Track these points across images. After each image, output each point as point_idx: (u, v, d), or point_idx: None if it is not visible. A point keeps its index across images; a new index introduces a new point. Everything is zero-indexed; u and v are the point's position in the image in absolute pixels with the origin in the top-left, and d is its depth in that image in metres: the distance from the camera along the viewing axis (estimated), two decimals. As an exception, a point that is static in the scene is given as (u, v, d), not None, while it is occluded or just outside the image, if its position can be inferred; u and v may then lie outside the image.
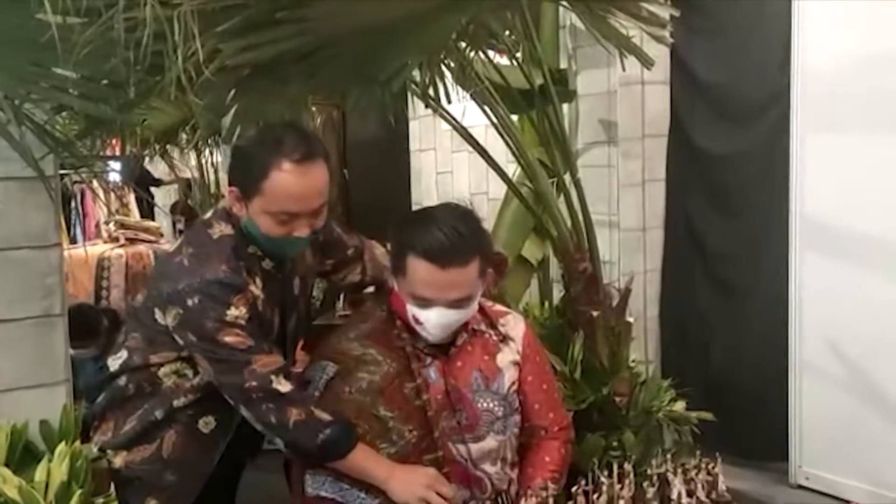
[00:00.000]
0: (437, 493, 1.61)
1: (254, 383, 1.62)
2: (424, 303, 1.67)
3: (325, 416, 1.62)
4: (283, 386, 1.62)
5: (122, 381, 1.80)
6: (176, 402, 1.75)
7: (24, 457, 2.14)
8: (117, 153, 5.84)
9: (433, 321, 1.67)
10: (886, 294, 2.89)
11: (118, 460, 1.78)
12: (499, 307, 1.92)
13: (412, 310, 1.69)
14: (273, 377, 1.62)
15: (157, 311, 1.74)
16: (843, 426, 3.04)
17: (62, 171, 2.83)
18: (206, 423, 1.75)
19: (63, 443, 2.13)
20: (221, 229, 1.74)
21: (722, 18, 3.50)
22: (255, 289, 1.69)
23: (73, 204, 6.23)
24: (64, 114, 2.12)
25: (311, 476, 1.66)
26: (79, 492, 2.02)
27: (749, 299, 3.47)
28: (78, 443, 2.16)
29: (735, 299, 3.54)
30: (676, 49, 3.58)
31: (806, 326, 3.16)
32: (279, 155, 1.63)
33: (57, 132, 1.94)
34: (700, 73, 3.60)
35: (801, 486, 3.14)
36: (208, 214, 1.84)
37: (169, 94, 1.76)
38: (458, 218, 1.71)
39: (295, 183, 1.63)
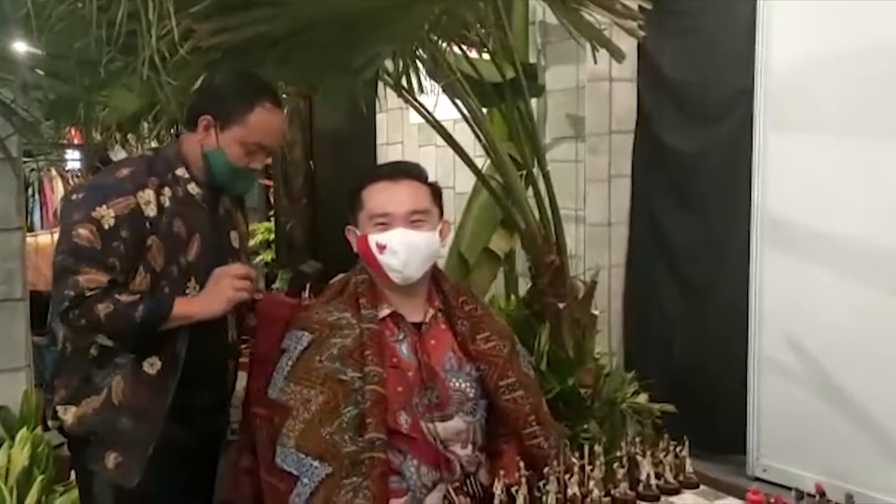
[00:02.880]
0: (239, 282, 1.72)
1: (69, 292, 1.64)
2: (384, 221, 1.71)
3: (130, 297, 1.67)
4: (94, 297, 1.64)
5: (60, 339, 1.76)
6: (114, 346, 1.72)
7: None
8: (76, 142, 5.75)
9: (396, 240, 1.69)
10: (844, 291, 2.96)
11: (69, 416, 1.74)
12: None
13: (375, 238, 1.70)
14: (88, 292, 1.64)
15: None
16: (800, 419, 3.11)
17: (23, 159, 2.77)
18: (152, 364, 1.73)
19: (24, 428, 2.11)
20: (144, 154, 1.85)
21: (689, 17, 3.55)
22: (153, 196, 1.70)
23: (30, 191, 6.09)
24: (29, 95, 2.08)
25: (279, 448, 1.65)
26: (40, 477, 2.00)
27: (710, 295, 3.53)
28: (39, 429, 2.13)
29: (697, 295, 3.60)
30: (644, 46, 3.63)
31: (765, 322, 3.22)
32: (265, 94, 1.77)
33: (23, 112, 1.90)
34: (667, 70, 3.65)
35: (758, 478, 3.21)
36: None
37: (141, 75, 1.73)
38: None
39: (272, 120, 1.78)
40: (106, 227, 1.66)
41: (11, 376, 2.35)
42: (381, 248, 1.70)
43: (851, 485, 2.55)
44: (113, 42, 1.58)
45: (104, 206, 1.65)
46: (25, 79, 1.89)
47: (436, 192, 1.80)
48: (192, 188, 1.80)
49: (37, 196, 6.00)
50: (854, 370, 2.94)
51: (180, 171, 1.79)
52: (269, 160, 1.88)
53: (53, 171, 6.06)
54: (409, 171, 1.78)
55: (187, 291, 1.76)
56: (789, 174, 3.11)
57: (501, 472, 1.56)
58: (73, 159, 6.79)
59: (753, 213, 3.21)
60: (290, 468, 1.61)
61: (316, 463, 1.58)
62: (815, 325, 3.06)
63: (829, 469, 2.87)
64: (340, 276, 1.90)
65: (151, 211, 1.71)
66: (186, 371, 1.76)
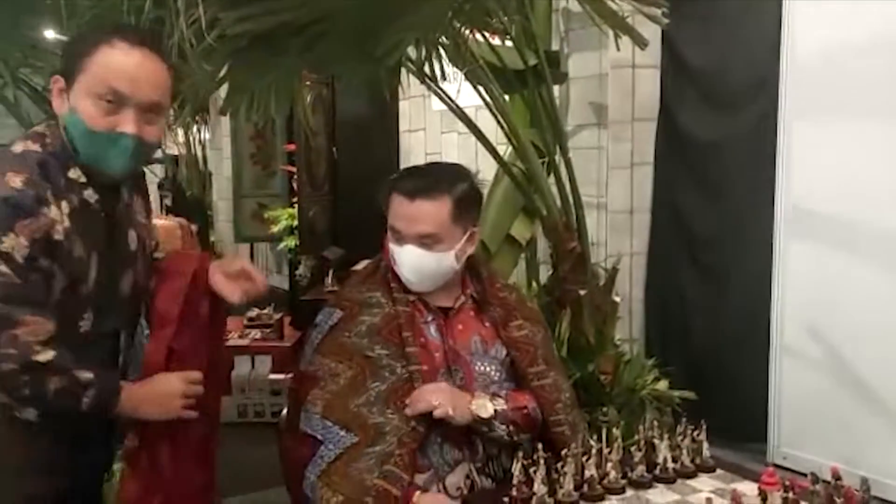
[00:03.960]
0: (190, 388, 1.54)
1: (11, 351, 1.33)
2: (398, 238, 1.72)
3: (86, 375, 1.42)
4: (45, 355, 1.36)
5: None
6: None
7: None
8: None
9: (404, 259, 1.71)
10: (867, 279, 2.95)
11: None
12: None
13: (392, 248, 1.74)
14: (37, 346, 1.35)
15: None
16: (821, 407, 3.10)
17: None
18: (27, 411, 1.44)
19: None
20: (27, 145, 1.43)
21: (713, 4, 3.53)
22: (57, 213, 1.38)
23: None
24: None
25: (304, 413, 1.69)
26: None
27: (732, 283, 3.52)
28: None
29: (718, 283, 3.59)
30: (667, 34, 3.61)
31: (787, 310, 3.21)
32: (113, 35, 1.42)
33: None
34: (690, 58, 3.63)
35: (778, 466, 3.20)
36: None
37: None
38: (444, 164, 1.88)
39: (125, 60, 1.40)
40: (20, 258, 1.33)
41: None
42: (395, 260, 1.74)
43: (872, 473, 2.55)
44: (142, 28, 1.60)
45: (12, 236, 1.33)
46: (55, 66, 1.93)
47: (464, 204, 1.73)
48: (90, 195, 1.45)
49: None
50: (877, 359, 2.93)
51: (73, 174, 1.44)
52: (153, 135, 1.44)
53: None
54: (429, 190, 1.69)
55: (80, 325, 1.46)
56: (814, 162, 3.09)
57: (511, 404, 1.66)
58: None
59: (777, 201, 3.20)
60: (314, 432, 1.65)
61: (342, 432, 1.62)
62: (837, 314, 3.05)
63: (849, 457, 2.87)
64: (366, 261, 1.94)
65: (57, 234, 1.38)
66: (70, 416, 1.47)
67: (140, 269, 1.58)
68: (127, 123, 1.39)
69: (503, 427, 1.68)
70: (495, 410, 1.66)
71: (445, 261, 1.72)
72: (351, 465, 1.58)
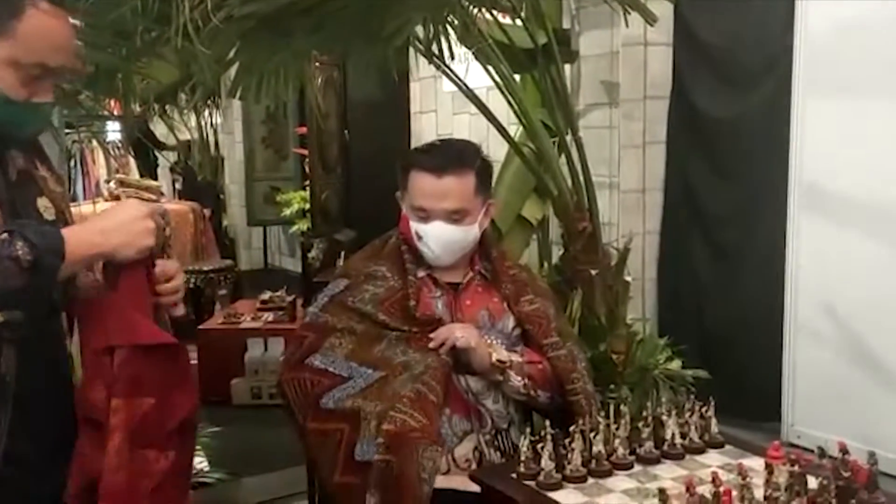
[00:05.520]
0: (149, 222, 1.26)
1: None
2: (423, 215, 1.74)
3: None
4: None
5: None
6: None
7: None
8: (116, 114, 5.86)
9: (432, 235, 1.74)
10: (881, 257, 2.93)
11: None
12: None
13: (414, 226, 1.76)
14: None
15: None
16: (835, 386, 3.09)
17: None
18: None
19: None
20: None
21: (726, -20, 3.49)
22: None
23: (72, 162, 6.23)
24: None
25: (321, 356, 1.71)
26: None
27: (745, 261, 3.50)
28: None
29: (731, 261, 3.57)
30: (680, 10, 3.58)
31: (801, 288, 3.20)
32: None
33: (65, 82, 1.94)
34: (703, 34, 3.60)
35: (792, 445, 3.20)
36: None
37: (175, 44, 1.76)
38: (460, 140, 1.91)
39: (56, 27, 1.24)
40: None
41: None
42: (419, 236, 1.76)
43: (889, 451, 2.54)
44: (148, 11, 1.60)
45: None
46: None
47: (484, 176, 1.79)
48: None
49: (79, 167, 6.14)
50: (892, 337, 2.91)
51: None
52: (51, 96, 1.29)
53: (95, 143, 6.19)
54: (455, 162, 1.74)
55: None
56: (828, 139, 3.06)
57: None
58: (113, 131, 6.94)
59: (791, 179, 3.17)
60: (338, 371, 1.68)
61: (370, 370, 1.66)
62: (851, 292, 3.03)
63: (864, 435, 2.85)
64: (374, 240, 1.96)
65: None
66: (20, 404, 1.24)
67: None
68: (45, 93, 1.27)
69: (518, 379, 1.71)
70: (511, 360, 1.69)
71: (471, 233, 1.77)
72: (384, 387, 1.62)
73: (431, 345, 1.67)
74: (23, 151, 1.32)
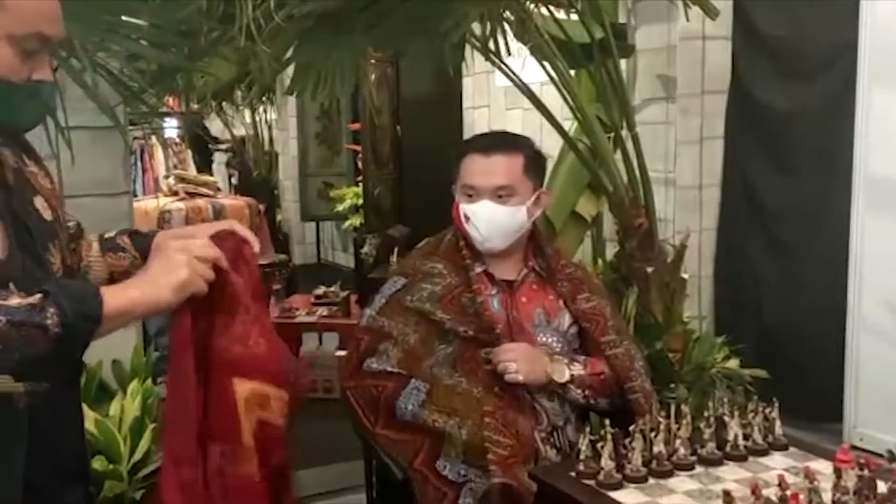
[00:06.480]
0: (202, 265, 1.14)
1: None
2: (471, 193, 1.76)
3: (30, 298, 1.02)
4: None
5: None
6: None
7: (98, 394, 2.25)
8: (173, 110, 5.98)
9: (478, 213, 1.75)
10: (951, 255, 2.84)
11: None
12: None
13: (462, 207, 1.78)
14: None
15: None
16: (900, 388, 3.01)
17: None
18: None
19: (135, 381, 2.25)
20: None
21: (787, -30, 3.41)
22: None
23: (132, 159, 6.37)
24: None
25: (377, 358, 1.73)
26: (151, 426, 2.13)
27: (806, 258, 3.42)
28: (149, 381, 2.27)
29: (792, 258, 3.50)
30: (739, 3, 3.51)
31: (865, 286, 3.11)
32: None
33: (131, 81, 1.99)
34: (763, 26, 3.52)
35: (854, 447, 3.12)
36: None
37: (238, 44, 1.80)
38: (511, 131, 1.98)
39: None
40: None
41: (122, 332, 2.48)
42: (467, 218, 1.77)
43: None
44: (213, 11, 1.63)
45: None
46: (131, 49, 1.98)
47: (534, 162, 1.81)
48: None
49: (139, 163, 6.28)
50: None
51: None
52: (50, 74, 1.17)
53: (154, 139, 6.32)
54: (504, 142, 1.80)
55: None
56: (893, 133, 2.97)
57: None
58: (170, 127, 7.08)
59: (855, 174, 3.09)
60: (394, 369, 1.71)
61: (420, 384, 1.68)
62: (918, 291, 2.94)
63: (931, 439, 2.78)
64: (429, 238, 1.97)
65: None
66: (37, 431, 1.13)
67: (66, 245, 1.26)
68: (44, 70, 1.14)
69: (579, 392, 1.71)
70: (572, 376, 1.69)
71: (518, 215, 1.76)
72: (453, 397, 1.66)
73: (491, 366, 1.68)
74: (10, 147, 1.19)
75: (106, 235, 1.36)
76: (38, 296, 1.03)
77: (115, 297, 1.07)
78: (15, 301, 1.02)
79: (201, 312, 1.18)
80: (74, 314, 1.03)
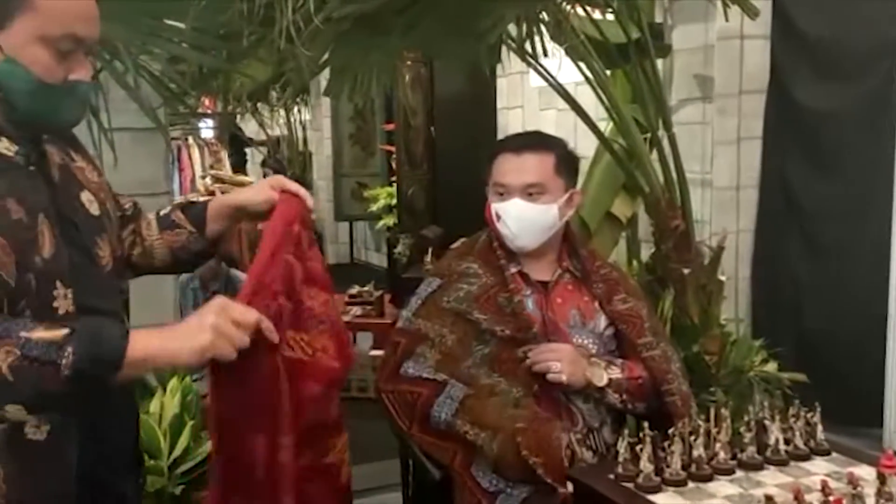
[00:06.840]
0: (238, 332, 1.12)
1: None
2: (503, 192, 1.77)
3: (53, 334, 1.03)
4: None
5: None
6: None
7: (138, 391, 2.28)
8: (209, 111, 6.05)
9: (510, 211, 1.75)
10: None
11: None
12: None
13: (494, 206, 1.78)
14: None
15: None
16: (943, 393, 2.95)
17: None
18: (37, 428, 1.13)
19: (175, 378, 2.28)
20: None
21: (828, -31, 3.36)
22: None
23: (170, 159, 6.44)
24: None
25: (414, 361, 1.73)
26: (190, 423, 2.17)
27: (847, 260, 3.37)
28: (188, 379, 2.30)
29: (831, 260, 3.44)
30: (779, 2, 3.47)
31: (907, 290, 3.05)
32: None
33: (172, 83, 2.03)
34: (803, 26, 3.48)
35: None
36: None
37: (277, 46, 1.82)
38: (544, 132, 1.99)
39: None
40: None
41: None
42: (498, 216, 1.77)
43: None
44: (254, 15, 1.65)
45: None
46: (172, 52, 2.01)
47: (566, 161, 1.81)
48: (6, 146, 1.15)
49: (176, 163, 6.36)
50: None
51: None
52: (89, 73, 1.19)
53: (190, 140, 6.40)
54: (534, 144, 1.80)
55: (56, 306, 1.13)
56: (938, 133, 2.92)
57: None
58: (206, 127, 7.16)
59: (897, 175, 3.04)
60: (431, 376, 1.70)
61: (453, 392, 1.68)
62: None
63: (974, 446, 2.72)
64: (464, 239, 1.97)
65: None
66: (87, 428, 1.18)
67: (115, 237, 1.30)
68: (81, 70, 1.15)
69: (616, 396, 1.70)
70: (610, 380, 1.68)
71: (549, 213, 1.76)
72: (487, 409, 1.64)
73: (530, 364, 1.68)
74: (56, 143, 1.23)
75: (161, 212, 1.42)
76: (63, 332, 1.03)
77: (139, 345, 1.07)
78: (37, 335, 1.02)
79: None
80: (90, 358, 1.03)
